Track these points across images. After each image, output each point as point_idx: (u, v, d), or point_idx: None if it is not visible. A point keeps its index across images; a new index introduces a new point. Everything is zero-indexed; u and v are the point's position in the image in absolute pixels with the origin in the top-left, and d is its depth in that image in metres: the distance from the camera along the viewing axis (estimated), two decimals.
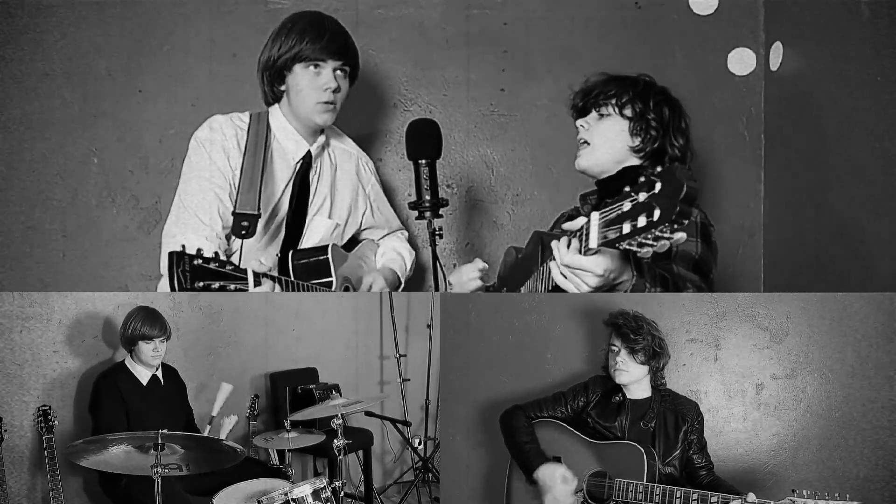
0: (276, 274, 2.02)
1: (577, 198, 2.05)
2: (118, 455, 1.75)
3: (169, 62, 2.70)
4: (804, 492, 1.52)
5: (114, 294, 2.46)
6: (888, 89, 2.00)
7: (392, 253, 2.41)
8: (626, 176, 1.89)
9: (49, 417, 2.09)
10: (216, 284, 1.57)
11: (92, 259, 2.70)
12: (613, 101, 1.91)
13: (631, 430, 1.81)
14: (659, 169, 1.19)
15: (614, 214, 1.27)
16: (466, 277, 1.98)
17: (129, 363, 2.17)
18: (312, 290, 1.97)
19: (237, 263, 1.68)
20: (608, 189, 1.93)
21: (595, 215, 1.34)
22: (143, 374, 2.17)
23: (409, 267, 2.44)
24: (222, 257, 1.61)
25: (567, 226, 1.47)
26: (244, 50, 2.69)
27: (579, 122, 1.98)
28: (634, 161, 1.91)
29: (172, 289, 1.51)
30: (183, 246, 1.54)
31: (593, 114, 1.95)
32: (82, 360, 2.24)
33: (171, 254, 1.51)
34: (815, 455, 1.93)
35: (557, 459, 1.84)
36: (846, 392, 1.93)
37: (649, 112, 1.89)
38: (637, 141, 1.89)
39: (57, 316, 2.21)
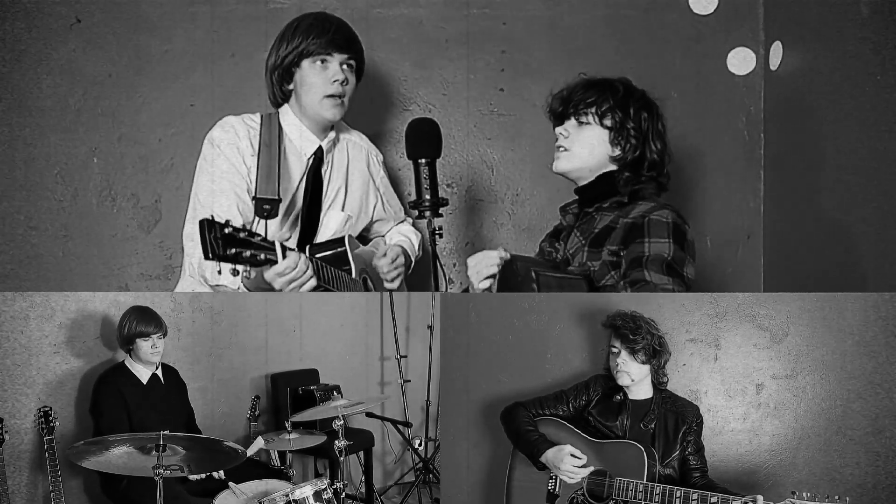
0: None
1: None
2: (119, 456, 1.75)
3: (169, 62, 2.70)
4: (804, 493, 1.53)
5: (114, 294, 2.45)
6: (888, 89, 2.00)
7: (399, 236, 2.47)
8: (604, 181, 1.92)
9: (50, 418, 2.08)
10: (247, 252, 1.61)
11: (92, 259, 2.69)
12: (593, 110, 1.90)
13: (631, 430, 1.82)
14: None
15: None
16: (488, 262, 1.82)
17: (129, 363, 2.17)
18: (334, 273, 1.99)
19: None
20: (587, 196, 1.96)
21: None
22: (143, 374, 2.17)
23: (416, 246, 2.48)
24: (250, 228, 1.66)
25: None
26: (244, 50, 2.69)
27: (558, 129, 1.97)
28: (612, 167, 1.93)
29: (206, 257, 1.55)
30: (212, 216, 1.57)
31: (572, 121, 1.94)
32: (83, 361, 2.24)
33: (202, 221, 1.55)
34: (815, 455, 1.93)
35: None
36: (846, 392, 1.93)
37: (629, 121, 1.88)
38: (617, 151, 1.90)
39: (57, 316, 2.20)
